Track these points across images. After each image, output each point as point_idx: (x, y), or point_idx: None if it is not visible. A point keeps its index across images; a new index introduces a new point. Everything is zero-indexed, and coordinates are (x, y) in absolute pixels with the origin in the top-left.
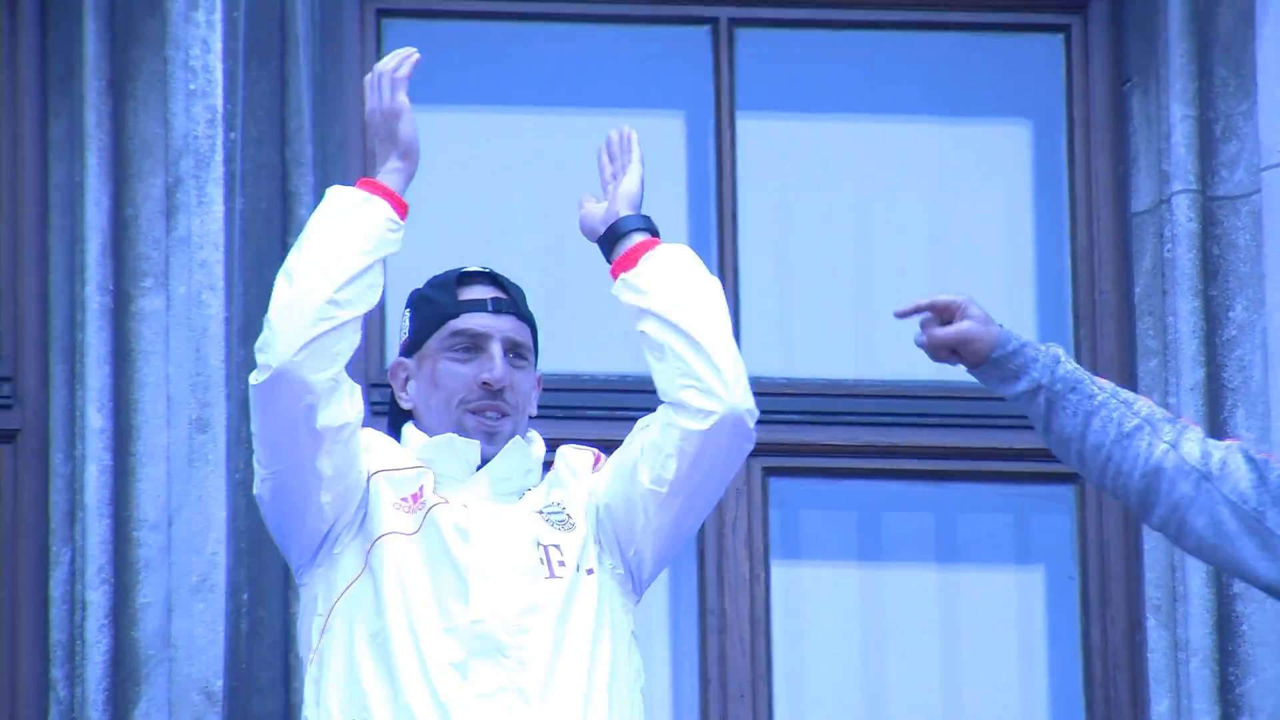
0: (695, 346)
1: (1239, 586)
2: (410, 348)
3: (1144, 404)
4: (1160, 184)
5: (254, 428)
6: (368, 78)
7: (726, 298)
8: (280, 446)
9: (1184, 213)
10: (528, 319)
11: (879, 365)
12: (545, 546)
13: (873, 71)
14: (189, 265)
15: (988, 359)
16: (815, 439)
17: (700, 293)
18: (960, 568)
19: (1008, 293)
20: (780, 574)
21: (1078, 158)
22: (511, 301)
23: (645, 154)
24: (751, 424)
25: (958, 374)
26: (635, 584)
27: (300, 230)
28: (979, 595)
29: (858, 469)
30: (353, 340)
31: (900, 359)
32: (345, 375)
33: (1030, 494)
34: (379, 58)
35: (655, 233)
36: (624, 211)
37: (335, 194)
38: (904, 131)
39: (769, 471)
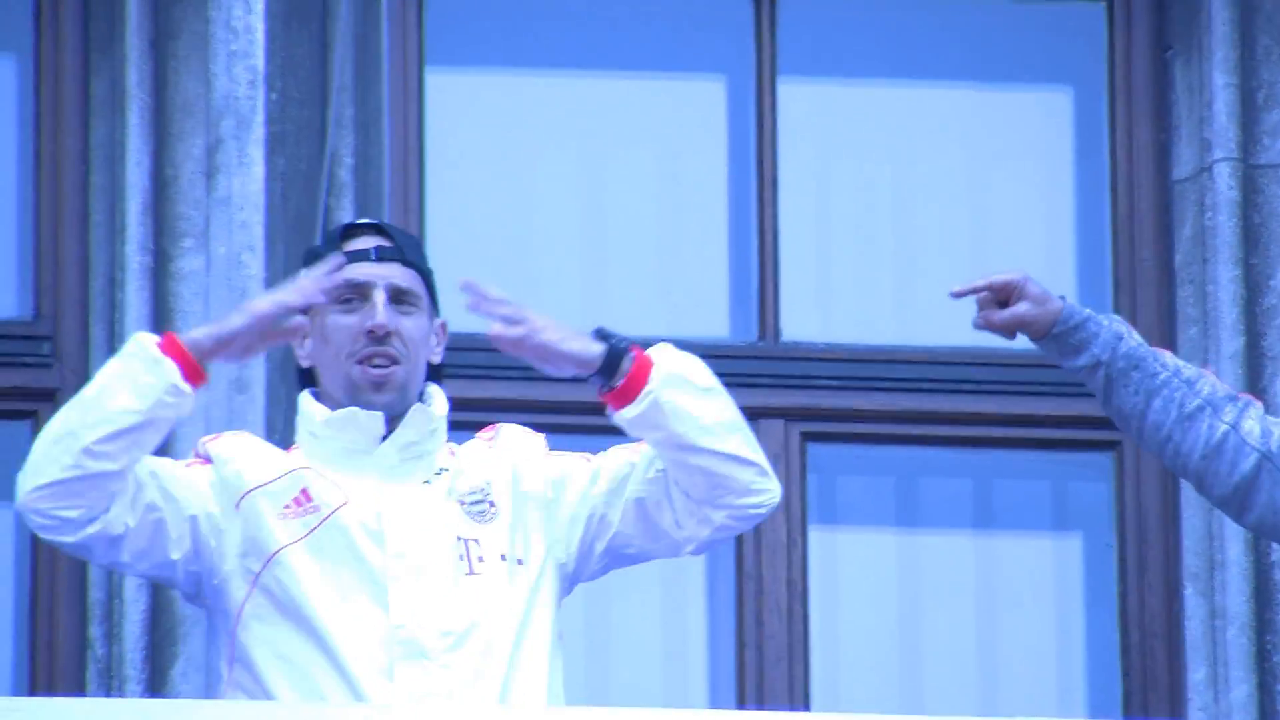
0: (728, 460)
1: (1278, 554)
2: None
3: (1207, 382)
4: (1201, 152)
5: None
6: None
7: (768, 263)
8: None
9: (1225, 180)
10: (418, 267)
11: (917, 330)
12: (465, 541)
13: (914, 36)
14: (229, 226)
15: (1048, 334)
16: (853, 404)
17: (707, 405)
18: (997, 534)
19: (1048, 260)
20: (817, 539)
21: (1119, 125)
22: (396, 249)
23: (687, 118)
24: None
25: (996, 340)
26: (573, 582)
27: (339, 191)
28: (1016, 562)
29: (895, 435)
30: (113, 488)
31: (938, 324)
32: (116, 498)
33: (1068, 461)
34: (420, 21)
35: (625, 346)
36: (589, 347)
37: (134, 340)
38: (945, 97)
39: (807, 437)
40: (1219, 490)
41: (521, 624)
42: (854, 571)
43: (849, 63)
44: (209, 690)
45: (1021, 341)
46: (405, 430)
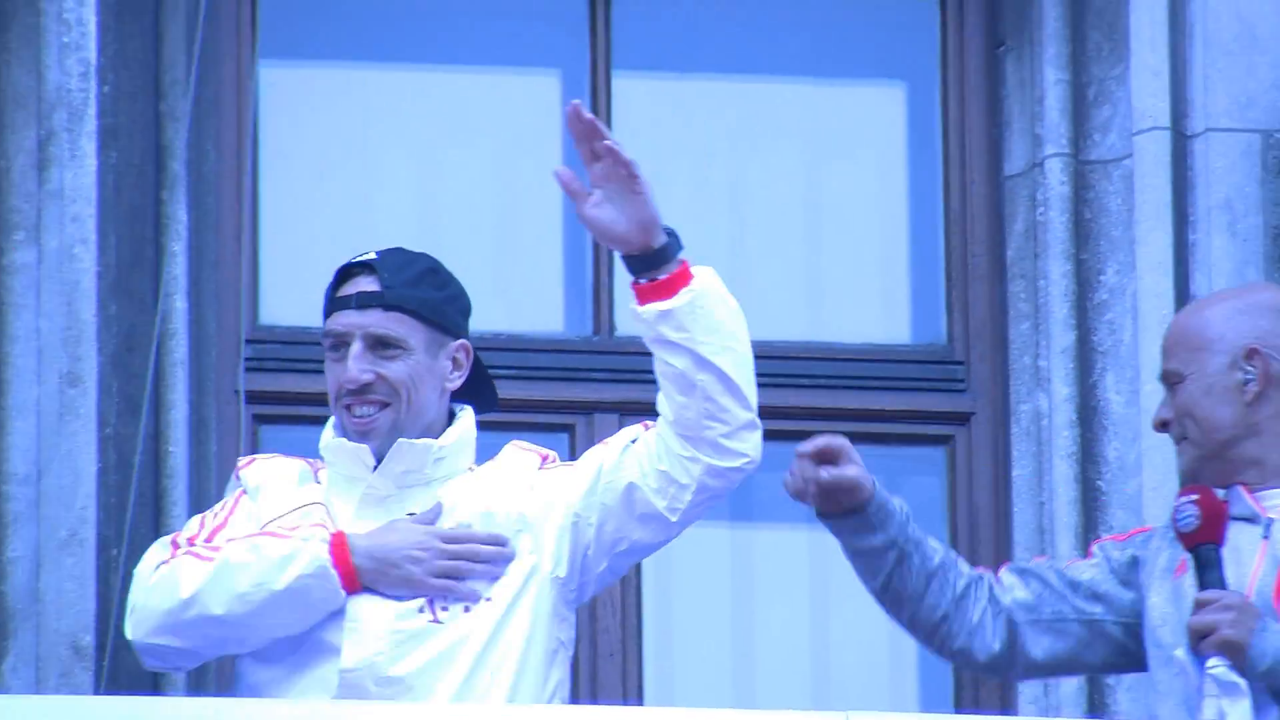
0: (732, 390)
1: None
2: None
3: (964, 562)
4: (1033, 147)
5: None
6: None
7: (603, 257)
8: None
9: (1056, 176)
10: (405, 307)
11: (752, 324)
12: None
13: (749, 31)
14: (61, 219)
15: (857, 507)
16: None
17: (734, 329)
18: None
19: (881, 254)
20: None
21: (951, 120)
22: (379, 294)
23: (521, 112)
24: None
25: (831, 335)
26: (580, 593)
27: (172, 184)
28: None
29: None
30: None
31: (774, 319)
32: None
33: (902, 455)
34: (253, 14)
35: (679, 247)
36: (656, 240)
37: (316, 562)
38: (780, 91)
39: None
40: (983, 658)
41: (475, 663)
42: (687, 565)
43: (684, 57)
44: (39, 685)
45: (858, 335)
46: (390, 463)
